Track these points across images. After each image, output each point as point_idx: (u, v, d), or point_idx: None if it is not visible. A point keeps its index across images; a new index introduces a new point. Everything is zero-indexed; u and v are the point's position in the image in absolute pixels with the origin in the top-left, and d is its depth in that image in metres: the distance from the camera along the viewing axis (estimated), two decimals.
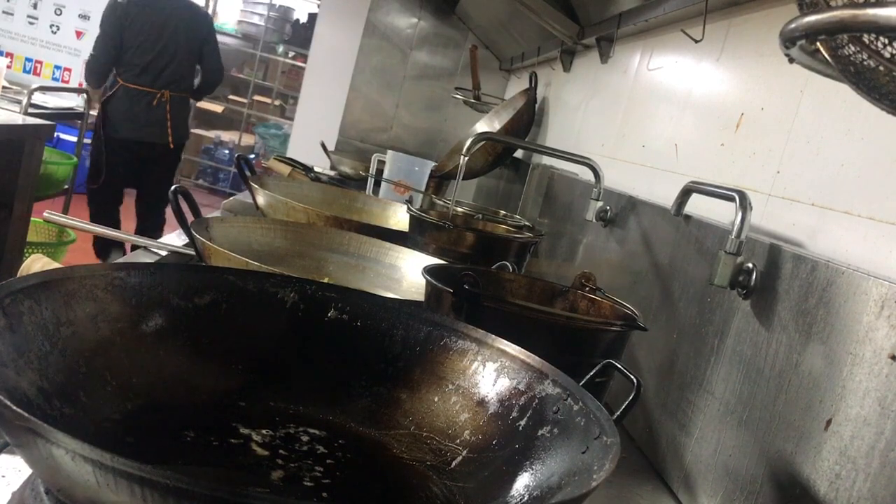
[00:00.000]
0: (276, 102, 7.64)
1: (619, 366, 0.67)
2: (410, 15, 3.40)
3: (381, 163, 2.27)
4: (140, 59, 3.57)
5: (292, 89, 7.28)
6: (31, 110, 2.94)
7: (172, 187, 1.07)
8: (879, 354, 0.63)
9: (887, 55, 0.50)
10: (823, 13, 0.46)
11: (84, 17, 5.80)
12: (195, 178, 7.17)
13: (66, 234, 3.61)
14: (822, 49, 0.51)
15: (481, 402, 0.67)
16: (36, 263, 1.01)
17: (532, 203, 2.13)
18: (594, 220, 1.44)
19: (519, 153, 2.62)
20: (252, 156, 6.66)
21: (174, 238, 1.43)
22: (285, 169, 2.31)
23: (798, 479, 0.69)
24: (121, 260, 1.16)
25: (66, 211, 3.57)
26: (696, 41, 1.23)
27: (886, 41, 0.50)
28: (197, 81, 3.85)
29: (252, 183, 1.58)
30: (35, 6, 5.85)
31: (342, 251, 1.29)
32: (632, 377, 0.64)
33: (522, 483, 0.57)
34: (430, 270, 0.91)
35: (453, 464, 0.64)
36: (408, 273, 1.25)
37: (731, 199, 0.85)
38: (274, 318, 0.72)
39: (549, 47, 2.33)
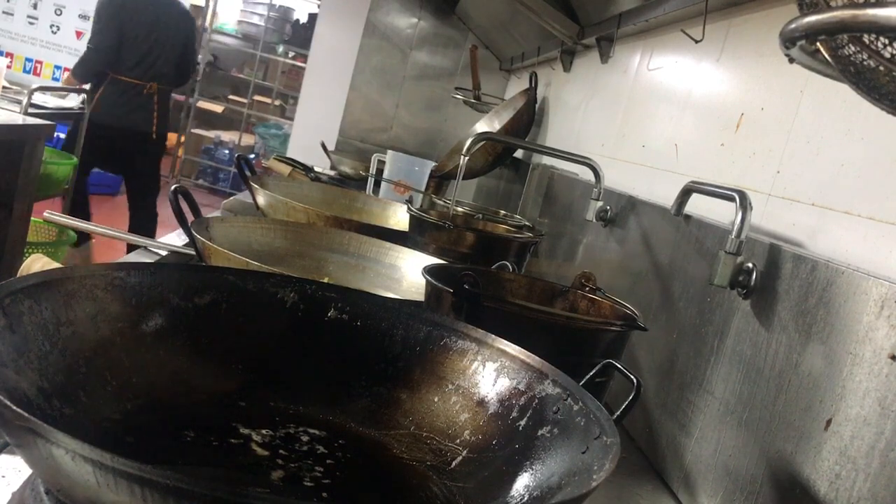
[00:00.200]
0: (276, 102, 7.64)
1: (619, 366, 0.67)
2: (410, 15, 3.40)
3: (381, 163, 2.27)
4: (134, 53, 3.70)
5: (292, 89, 7.28)
6: (31, 110, 2.94)
7: (172, 187, 1.07)
8: (879, 354, 0.63)
9: (887, 55, 0.50)
10: (823, 13, 0.46)
11: (84, 17, 5.81)
12: (195, 178, 7.16)
13: (66, 234, 3.61)
14: (822, 49, 0.51)
15: (481, 402, 0.67)
16: (36, 263, 1.01)
17: (532, 203, 2.13)
18: (594, 220, 1.44)
19: (519, 153, 2.62)
20: (252, 156, 6.66)
21: (174, 238, 1.43)
22: (285, 169, 2.31)
23: (798, 479, 0.69)
24: (121, 260, 1.16)
25: (66, 211, 3.57)
26: (696, 41, 1.23)
27: (886, 41, 0.50)
28: None
29: (252, 183, 1.58)
30: (35, 6, 5.85)
31: (342, 251, 1.29)
32: (632, 377, 0.64)
33: (522, 483, 0.57)
34: (430, 270, 0.91)
35: (453, 464, 0.64)
36: (408, 273, 1.25)
37: (731, 199, 0.85)
38: (274, 318, 0.72)
39: (549, 47, 2.33)
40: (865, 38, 0.50)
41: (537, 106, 2.42)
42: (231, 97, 7.73)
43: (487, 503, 0.59)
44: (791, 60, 0.54)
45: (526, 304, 0.90)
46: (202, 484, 0.35)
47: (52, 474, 0.41)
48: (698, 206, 1.04)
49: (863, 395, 0.64)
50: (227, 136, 7.26)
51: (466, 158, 1.54)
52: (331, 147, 3.15)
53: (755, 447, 0.77)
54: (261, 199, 1.55)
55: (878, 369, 0.62)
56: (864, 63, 0.51)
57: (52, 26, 5.85)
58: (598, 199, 1.44)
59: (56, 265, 0.96)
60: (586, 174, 1.56)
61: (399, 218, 1.77)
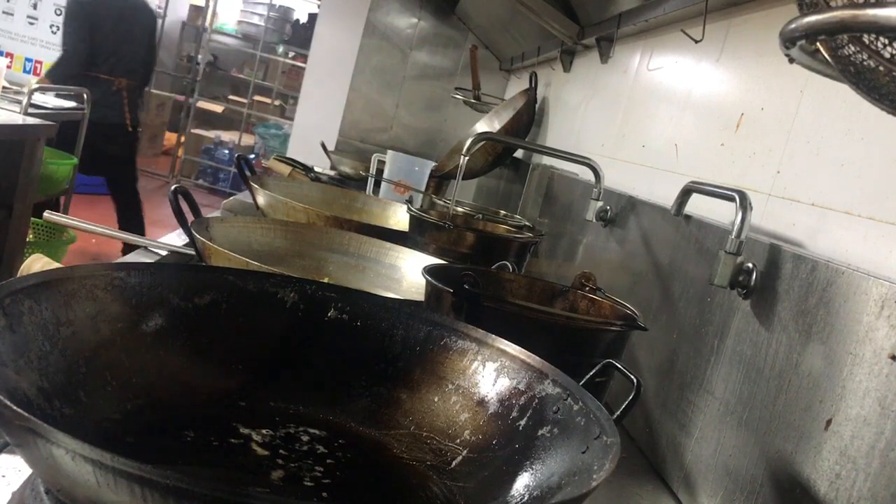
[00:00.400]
0: (276, 102, 7.64)
1: (619, 366, 0.67)
2: (410, 15, 3.40)
3: (381, 163, 2.27)
4: (102, 49, 3.83)
5: (292, 89, 7.28)
6: (31, 110, 2.94)
7: (172, 187, 1.07)
8: (879, 354, 0.63)
9: (887, 55, 0.50)
10: (823, 13, 0.46)
11: None
12: (195, 178, 7.16)
13: (66, 234, 3.61)
14: (822, 49, 0.51)
15: (481, 402, 0.67)
16: (36, 263, 1.01)
17: (532, 203, 2.13)
18: (594, 220, 1.44)
19: (519, 153, 2.62)
20: (252, 156, 6.66)
21: (174, 238, 1.43)
22: (285, 169, 2.31)
23: (798, 479, 0.69)
24: (121, 260, 1.16)
25: (66, 211, 3.57)
26: (696, 41, 1.23)
27: (886, 41, 0.50)
28: None
29: (252, 183, 1.58)
30: (35, 6, 5.85)
31: (342, 251, 1.29)
32: (632, 377, 0.64)
33: (522, 483, 0.57)
34: (430, 270, 0.91)
35: (453, 464, 0.64)
36: (408, 273, 1.25)
37: (731, 199, 0.85)
38: (274, 318, 0.72)
39: (549, 47, 2.33)
40: (865, 38, 0.50)
41: (537, 106, 2.42)
42: (231, 97, 7.73)
43: (487, 503, 0.59)
44: (791, 60, 0.54)
45: (526, 304, 0.90)
46: (202, 484, 0.35)
47: (52, 474, 0.41)
48: (698, 206, 1.04)
49: (863, 395, 0.64)
50: (227, 136, 7.26)
51: (466, 158, 1.54)
52: (331, 147, 3.15)
53: (755, 447, 0.77)
54: (261, 199, 1.55)
55: (878, 369, 0.62)
56: (864, 63, 0.51)
57: (51, 26, 5.85)
58: (598, 199, 1.44)
59: (56, 265, 0.96)
60: (586, 174, 1.56)
61: (399, 218, 1.77)
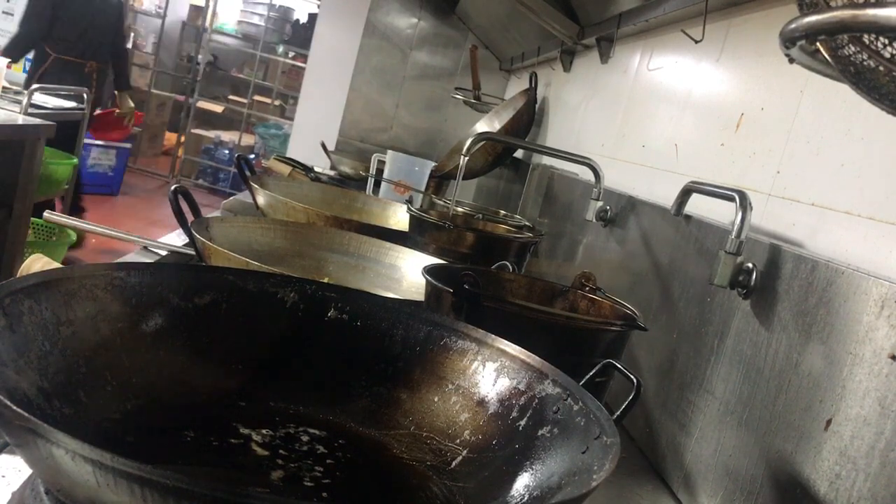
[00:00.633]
0: (276, 102, 7.64)
1: (619, 366, 0.67)
2: (410, 15, 3.40)
3: (381, 163, 2.27)
4: (71, 32, 4.08)
5: (292, 89, 7.28)
6: (31, 110, 2.94)
7: (172, 187, 1.07)
8: (879, 354, 0.63)
9: (887, 55, 0.50)
10: (823, 13, 0.46)
11: None
12: (195, 178, 7.16)
13: (66, 234, 3.61)
14: (822, 49, 0.51)
15: (481, 402, 0.66)
16: (36, 263, 1.01)
17: (532, 203, 2.13)
18: (594, 220, 1.44)
19: (519, 153, 2.61)
20: (252, 156, 6.66)
21: (174, 238, 1.43)
22: (285, 169, 2.31)
23: (798, 479, 0.69)
24: (121, 260, 1.16)
25: (66, 211, 3.57)
26: (696, 41, 1.23)
27: (886, 41, 0.50)
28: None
29: (252, 183, 1.58)
30: None
31: (342, 251, 1.29)
32: (632, 377, 0.64)
33: (522, 483, 0.57)
34: (430, 270, 0.91)
35: (453, 464, 0.64)
36: (408, 273, 1.25)
37: (731, 199, 0.85)
38: (274, 318, 0.72)
39: (549, 47, 2.33)
40: (865, 38, 0.50)
41: (537, 106, 2.42)
42: (231, 97, 7.73)
43: (487, 503, 0.59)
44: (791, 60, 0.54)
45: (526, 304, 0.90)
46: (202, 484, 0.35)
47: (52, 474, 0.41)
48: (698, 206, 1.04)
49: (863, 395, 0.64)
50: (227, 136, 7.26)
51: (466, 158, 1.54)
52: (331, 147, 3.15)
53: (755, 447, 0.77)
54: (261, 199, 1.55)
55: (878, 369, 0.62)
56: (864, 63, 0.51)
57: None
58: (598, 199, 1.44)
59: (56, 265, 0.96)
60: (586, 174, 1.56)
61: (399, 218, 1.77)
